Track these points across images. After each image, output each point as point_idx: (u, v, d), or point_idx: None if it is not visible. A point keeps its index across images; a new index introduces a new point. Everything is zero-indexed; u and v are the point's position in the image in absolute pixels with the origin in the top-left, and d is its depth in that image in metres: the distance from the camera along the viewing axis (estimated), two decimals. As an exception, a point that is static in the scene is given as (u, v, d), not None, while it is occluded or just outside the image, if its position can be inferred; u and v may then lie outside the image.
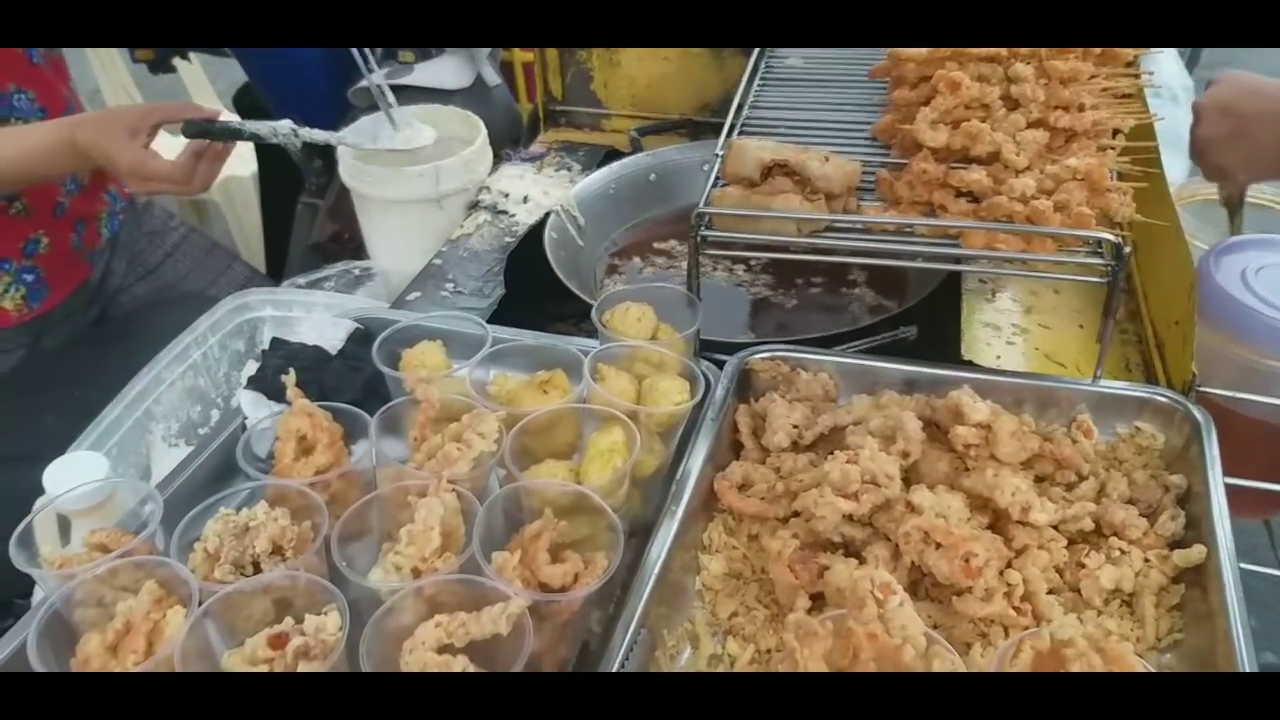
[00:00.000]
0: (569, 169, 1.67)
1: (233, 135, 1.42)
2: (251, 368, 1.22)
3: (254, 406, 1.10)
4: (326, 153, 2.00)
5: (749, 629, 0.89)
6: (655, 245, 1.55)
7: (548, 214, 1.53)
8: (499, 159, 1.67)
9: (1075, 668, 0.66)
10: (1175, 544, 0.91)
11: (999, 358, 1.13)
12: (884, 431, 0.97)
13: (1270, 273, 1.08)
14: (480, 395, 0.97)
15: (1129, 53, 1.14)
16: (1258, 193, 1.32)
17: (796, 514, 0.97)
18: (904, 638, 0.69)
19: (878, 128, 1.19)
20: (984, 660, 0.82)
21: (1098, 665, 0.66)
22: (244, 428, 1.09)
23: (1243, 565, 0.84)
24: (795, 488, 0.96)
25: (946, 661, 0.69)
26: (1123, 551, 0.89)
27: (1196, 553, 0.86)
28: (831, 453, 1.02)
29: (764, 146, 1.09)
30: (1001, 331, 1.18)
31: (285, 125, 1.41)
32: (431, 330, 1.09)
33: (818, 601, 0.89)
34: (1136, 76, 1.15)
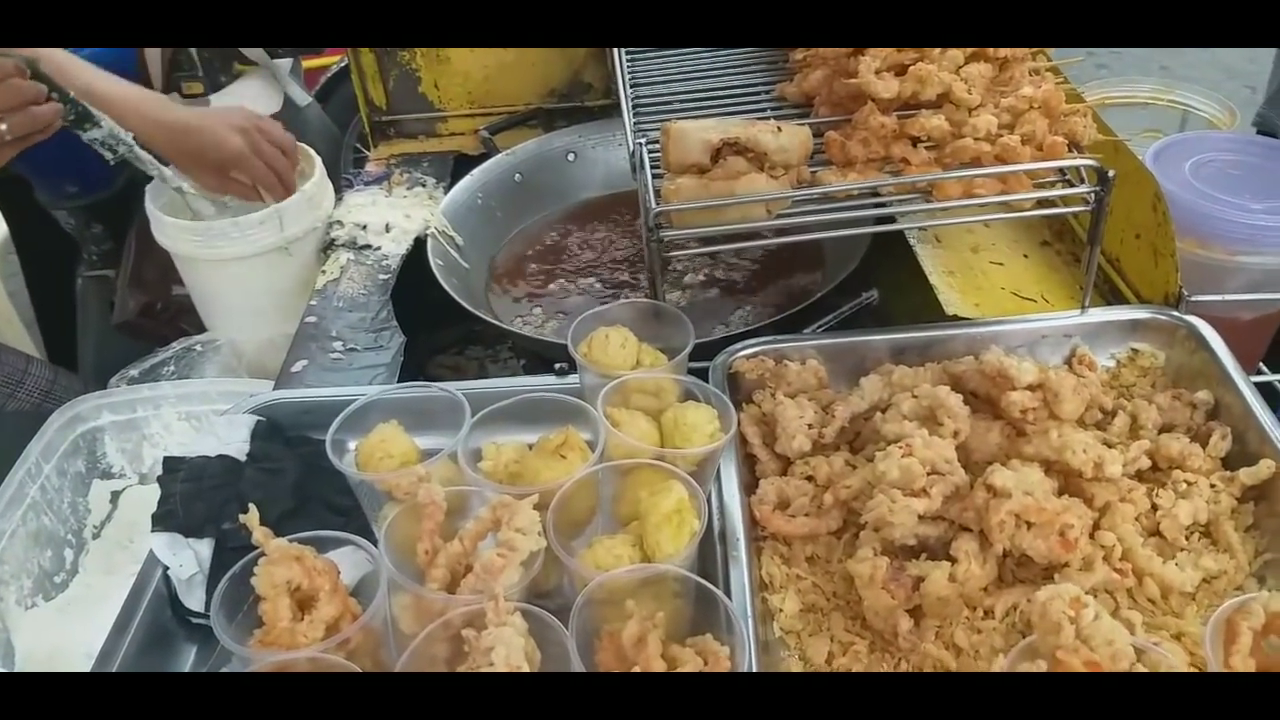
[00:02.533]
0: (422, 185, 1.48)
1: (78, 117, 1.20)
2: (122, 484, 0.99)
3: (173, 551, 0.88)
4: (109, 217, 1.70)
5: (856, 668, 0.79)
6: (552, 252, 1.40)
7: (419, 240, 1.35)
8: (337, 188, 1.46)
9: (1293, 637, 0.60)
10: (1225, 462, 0.89)
11: (977, 305, 1.08)
12: (920, 413, 0.89)
13: (1209, 166, 1.09)
14: (476, 477, 0.81)
15: None
16: (1132, 91, 1.35)
17: (848, 524, 0.89)
18: (1111, 653, 0.61)
19: (801, 89, 1.10)
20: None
21: (1313, 628, 0.61)
22: (167, 581, 0.87)
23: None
24: (845, 496, 0.87)
25: (1164, 664, 0.63)
26: (1189, 483, 0.86)
27: (1265, 468, 0.84)
28: (862, 448, 0.95)
29: (706, 126, 0.98)
30: (964, 277, 1.13)
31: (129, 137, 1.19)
32: (375, 407, 0.90)
33: (914, 615, 0.81)
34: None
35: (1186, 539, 0.85)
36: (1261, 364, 1.21)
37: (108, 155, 1.25)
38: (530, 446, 0.85)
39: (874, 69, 0.99)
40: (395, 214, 1.40)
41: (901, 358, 1.01)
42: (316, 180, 1.36)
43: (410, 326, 1.24)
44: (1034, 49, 1.05)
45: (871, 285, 1.16)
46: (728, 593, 0.77)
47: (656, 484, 0.77)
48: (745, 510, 0.86)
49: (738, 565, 0.80)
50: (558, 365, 1.01)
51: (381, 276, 1.31)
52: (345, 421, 0.89)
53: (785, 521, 0.88)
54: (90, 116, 1.21)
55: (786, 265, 1.31)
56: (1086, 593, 0.78)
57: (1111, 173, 0.93)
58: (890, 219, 1.04)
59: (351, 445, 0.88)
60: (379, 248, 1.35)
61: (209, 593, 0.88)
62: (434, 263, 1.27)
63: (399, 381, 1.13)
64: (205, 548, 0.91)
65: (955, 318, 1.06)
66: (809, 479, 0.91)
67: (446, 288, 1.23)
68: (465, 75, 1.56)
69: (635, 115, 1.15)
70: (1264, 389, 0.91)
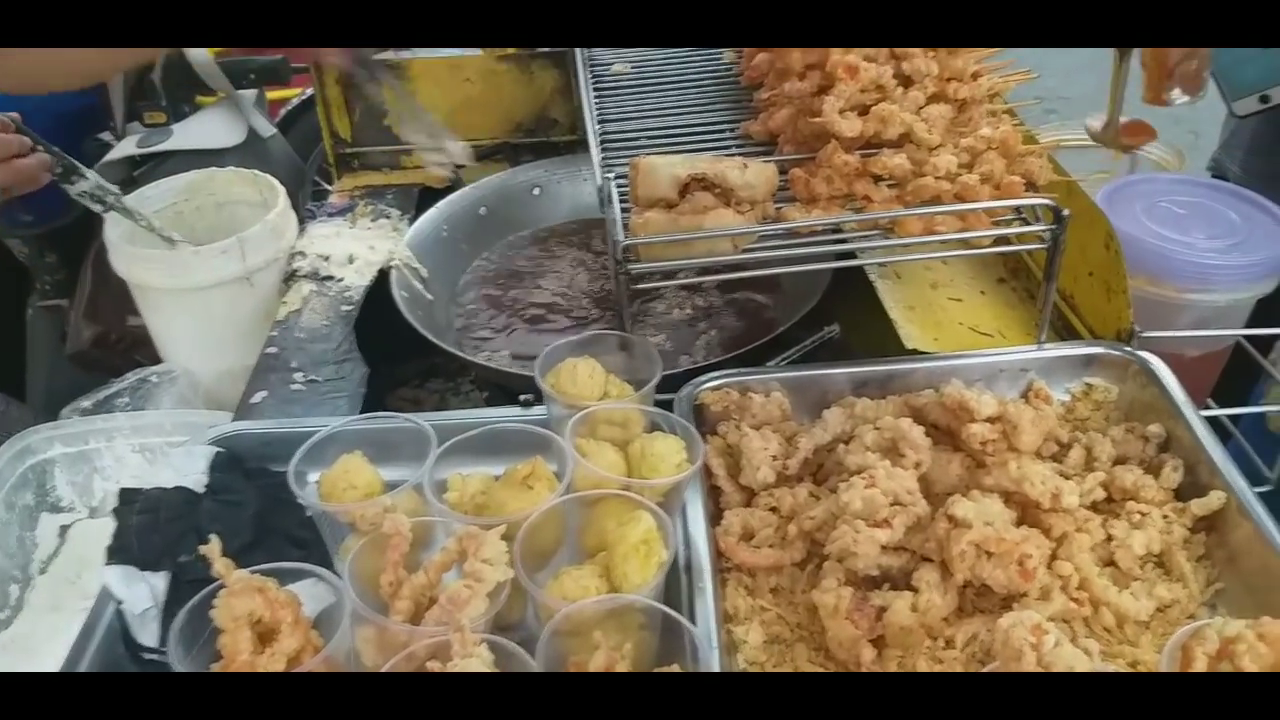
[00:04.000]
0: (387, 216, 1.48)
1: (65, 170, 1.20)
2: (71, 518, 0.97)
3: (127, 585, 0.86)
4: (63, 246, 1.68)
5: (822, 698, 0.79)
6: (517, 284, 1.40)
7: (382, 271, 1.34)
8: (300, 219, 1.45)
9: (1247, 663, 0.62)
10: (1177, 493, 0.91)
11: (936, 340, 1.10)
12: (882, 445, 0.90)
13: (1159, 206, 1.12)
14: (442, 508, 0.81)
15: None
16: (1084, 134, 1.39)
17: (811, 555, 0.89)
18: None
19: (766, 128, 1.12)
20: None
21: (1264, 653, 0.62)
22: (120, 616, 0.85)
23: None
24: (809, 527, 0.88)
25: (1123, 693, 0.63)
26: (1142, 514, 0.88)
27: (1215, 499, 0.87)
28: (826, 480, 0.96)
29: (675, 162, 0.99)
30: (923, 312, 1.15)
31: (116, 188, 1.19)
32: (338, 438, 0.90)
33: (877, 645, 0.81)
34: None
35: (1140, 569, 0.86)
36: (1209, 399, 1.24)
37: (97, 208, 1.24)
38: (496, 478, 0.85)
39: (838, 108, 1.02)
40: (359, 245, 1.39)
41: (863, 390, 1.03)
42: (280, 210, 1.35)
43: (371, 358, 1.23)
44: (992, 92, 1.08)
45: (833, 320, 1.18)
46: (693, 624, 0.77)
47: (624, 514, 0.77)
48: (710, 542, 0.86)
49: (703, 597, 0.80)
50: (523, 397, 1.01)
51: (344, 308, 1.30)
52: (308, 453, 0.88)
53: (750, 553, 0.88)
54: (77, 169, 1.20)
55: (751, 299, 1.32)
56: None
57: (1066, 212, 0.96)
58: (852, 254, 1.06)
59: (313, 477, 0.87)
60: (342, 279, 1.34)
61: (164, 627, 0.86)
62: (398, 294, 1.27)
63: (361, 413, 1.12)
64: (161, 581, 0.89)
65: (915, 352, 1.07)
66: (773, 510, 0.92)
67: (411, 319, 1.22)
68: (431, 108, 1.56)
69: (603, 150, 1.17)
70: (1211, 423, 0.93)
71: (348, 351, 1.22)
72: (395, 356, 1.35)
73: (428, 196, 1.51)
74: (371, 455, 0.90)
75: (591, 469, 0.80)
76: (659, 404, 0.99)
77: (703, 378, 1.02)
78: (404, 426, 0.88)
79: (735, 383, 1.03)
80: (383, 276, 1.33)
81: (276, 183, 1.40)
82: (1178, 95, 1.20)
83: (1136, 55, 1.04)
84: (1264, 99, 1.24)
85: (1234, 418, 1.20)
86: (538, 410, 0.99)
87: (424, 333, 1.20)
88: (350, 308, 1.30)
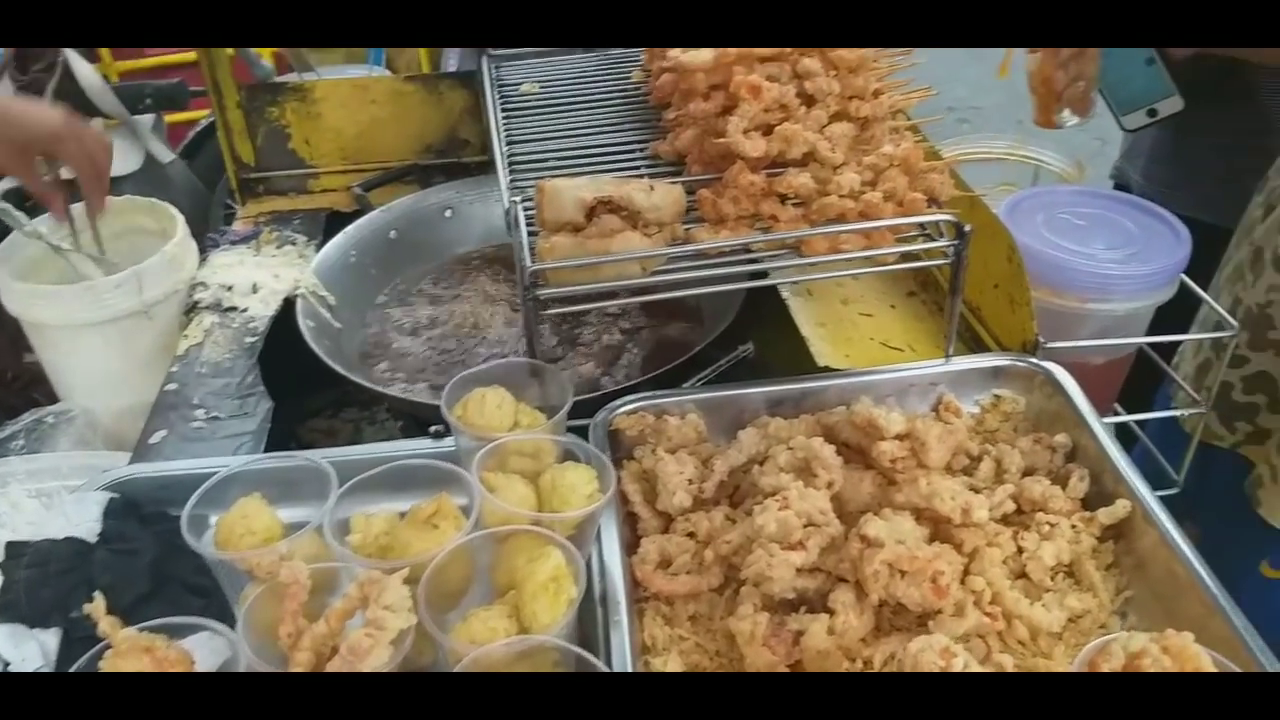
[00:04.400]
0: (292, 243, 1.44)
1: None
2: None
3: (15, 644, 0.81)
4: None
5: (741, 727, 0.78)
6: (429, 309, 1.37)
7: (288, 300, 1.30)
8: (202, 248, 1.41)
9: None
10: (1084, 502, 0.93)
11: (848, 356, 1.11)
12: (795, 465, 0.90)
13: (1060, 218, 1.14)
14: (344, 551, 0.78)
15: None
16: (989, 147, 1.42)
17: (729, 580, 0.89)
18: (982, 702, 0.62)
19: (673, 148, 1.11)
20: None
21: (1169, 666, 0.63)
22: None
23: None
24: (725, 551, 0.87)
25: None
26: (1051, 525, 0.89)
27: (1121, 507, 0.88)
28: (742, 502, 0.95)
29: (580, 185, 0.98)
30: (835, 329, 1.16)
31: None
32: (237, 479, 0.86)
33: (796, 670, 0.81)
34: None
35: (1051, 580, 0.87)
36: (1116, 405, 1.27)
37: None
38: (402, 515, 0.83)
39: (742, 129, 1.01)
40: (263, 274, 1.35)
41: (778, 409, 1.03)
42: (179, 240, 1.31)
43: (279, 391, 1.19)
44: (894, 109, 1.09)
45: (748, 338, 1.17)
46: (609, 658, 0.76)
47: (534, 550, 0.75)
48: (626, 571, 0.85)
49: (619, 629, 0.78)
50: (433, 429, 0.99)
51: (248, 340, 1.26)
52: (204, 496, 0.85)
53: (666, 581, 0.87)
54: None
55: (665, 321, 1.32)
56: (960, 638, 0.80)
57: (968, 227, 0.97)
58: (763, 274, 1.06)
59: (215, 520, 0.84)
60: (246, 309, 1.30)
61: (54, 687, 0.81)
62: (304, 324, 1.24)
63: (266, 450, 1.09)
64: (52, 638, 0.84)
65: (827, 369, 1.08)
66: (690, 536, 0.91)
67: (317, 350, 1.19)
68: (337, 131, 1.54)
69: (511, 173, 1.15)
70: (1120, 429, 0.95)
71: (252, 385, 1.19)
72: (306, 386, 1.32)
73: (336, 221, 1.48)
74: (274, 495, 0.86)
75: (498, 505, 0.78)
76: (575, 431, 0.97)
77: (618, 402, 1.01)
78: (304, 465, 0.85)
79: (651, 406, 1.02)
80: (289, 305, 1.30)
81: (175, 211, 1.35)
82: (1068, 117, 1.24)
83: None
84: (1151, 113, 1.27)
85: (1141, 422, 1.23)
86: (448, 442, 0.97)
87: (330, 364, 1.17)
88: (255, 339, 1.26)
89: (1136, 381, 1.32)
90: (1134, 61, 1.26)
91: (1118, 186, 1.71)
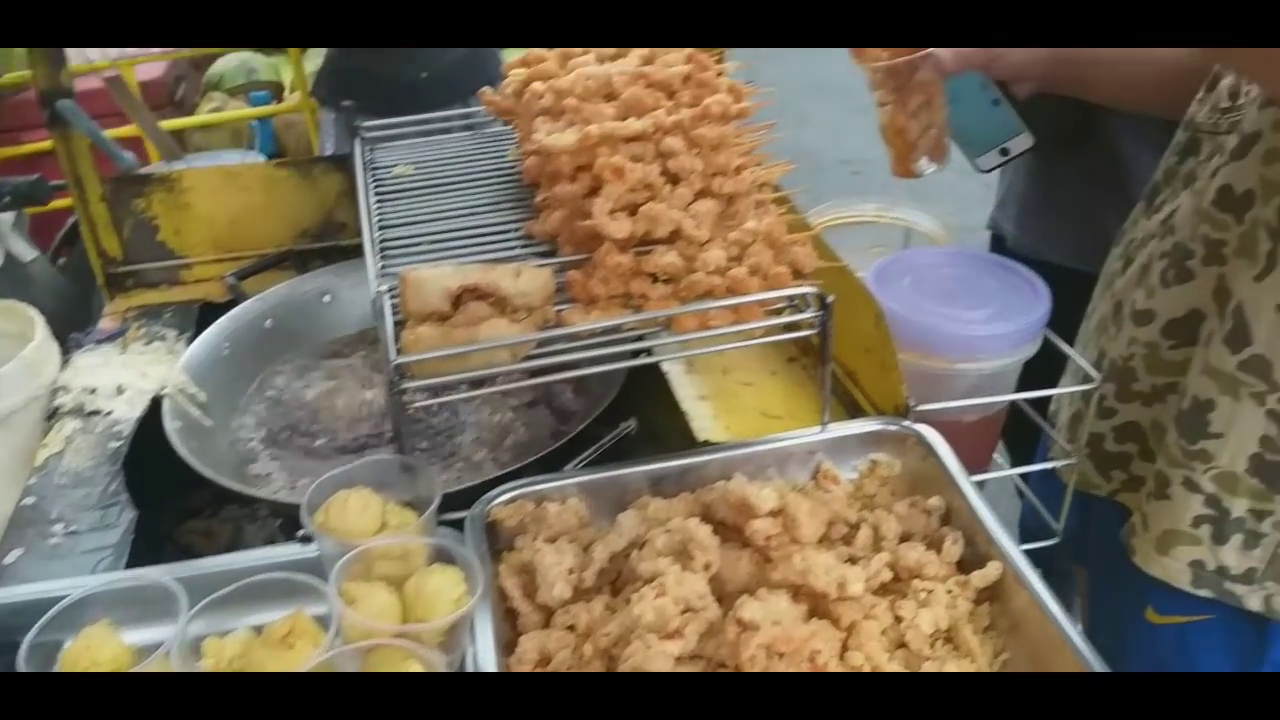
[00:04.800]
0: (162, 339, 1.39)
1: None
2: None
3: None
4: None
5: (624, 829, 0.76)
6: (305, 400, 1.34)
7: (155, 400, 1.25)
8: (65, 349, 1.35)
9: None
10: (959, 566, 0.94)
11: (728, 429, 1.11)
12: (674, 548, 0.89)
13: (925, 280, 1.17)
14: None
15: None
16: (860, 211, 1.45)
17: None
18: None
19: (543, 229, 1.11)
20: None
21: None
22: None
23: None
24: (604, 644, 0.85)
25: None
26: (928, 591, 0.90)
27: (994, 570, 0.89)
28: (623, 588, 0.94)
29: (445, 274, 0.97)
30: (715, 401, 1.16)
31: None
32: (90, 602, 0.81)
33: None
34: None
35: (931, 648, 0.87)
36: (998, 456, 1.30)
37: None
38: (259, 629, 0.79)
39: (607, 210, 1.02)
40: (130, 373, 1.30)
41: (660, 487, 1.02)
42: (38, 343, 1.25)
43: (150, 495, 1.14)
44: (759, 183, 1.11)
45: (630, 414, 1.17)
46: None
47: (397, 663, 0.72)
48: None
49: (493, 738, 0.76)
50: (300, 533, 0.95)
51: (113, 444, 1.20)
52: (53, 622, 0.80)
53: (546, 678, 0.85)
54: None
55: (559, 397, 1.31)
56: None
57: (830, 298, 0.98)
58: (637, 353, 1.06)
59: (62, 652, 0.79)
60: (110, 412, 1.25)
61: None
62: (170, 426, 1.19)
63: (131, 563, 1.03)
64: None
65: (707, 443, 1.08)
66: (570, 629, 0.89)
67: (183, 453, 1.14)
68: (209, 220, 1.50)
69: (382, 259, 1.13)
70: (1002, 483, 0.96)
71: (114, 494, 1.13)
72: (182, 486, 1.26)
73: (209, 312, 1.43)
74: (129, 616, 0.82)
75: (357, 619, 0.75)
76: (450, 524, 0.95)
77: (496, 491, 0.99)
78: (154, 584, 0.81)
79: (531, 493, 1.00)
80: (157, 405, 1.25)
81: (35, 312, 1.29)
82: (925, 164, 1.27)
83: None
84: (1004, 151, 1.31)
85: (1025, 475, 1.26)
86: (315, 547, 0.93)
87: (198, 467, 1.12)
88: (119, 444, 1.21)
89: (1020, 434, 1.35)
90: (981, 104, 1.30)
91: (994, 236, 1.77)
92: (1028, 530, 1.39)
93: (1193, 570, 1.07)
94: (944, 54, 1.21)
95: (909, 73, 1.22)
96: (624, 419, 1.15)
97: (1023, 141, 1.29)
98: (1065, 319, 1.21)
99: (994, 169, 1.35)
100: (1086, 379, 1.13)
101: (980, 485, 1.17)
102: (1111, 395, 1.15)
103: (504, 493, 0.99)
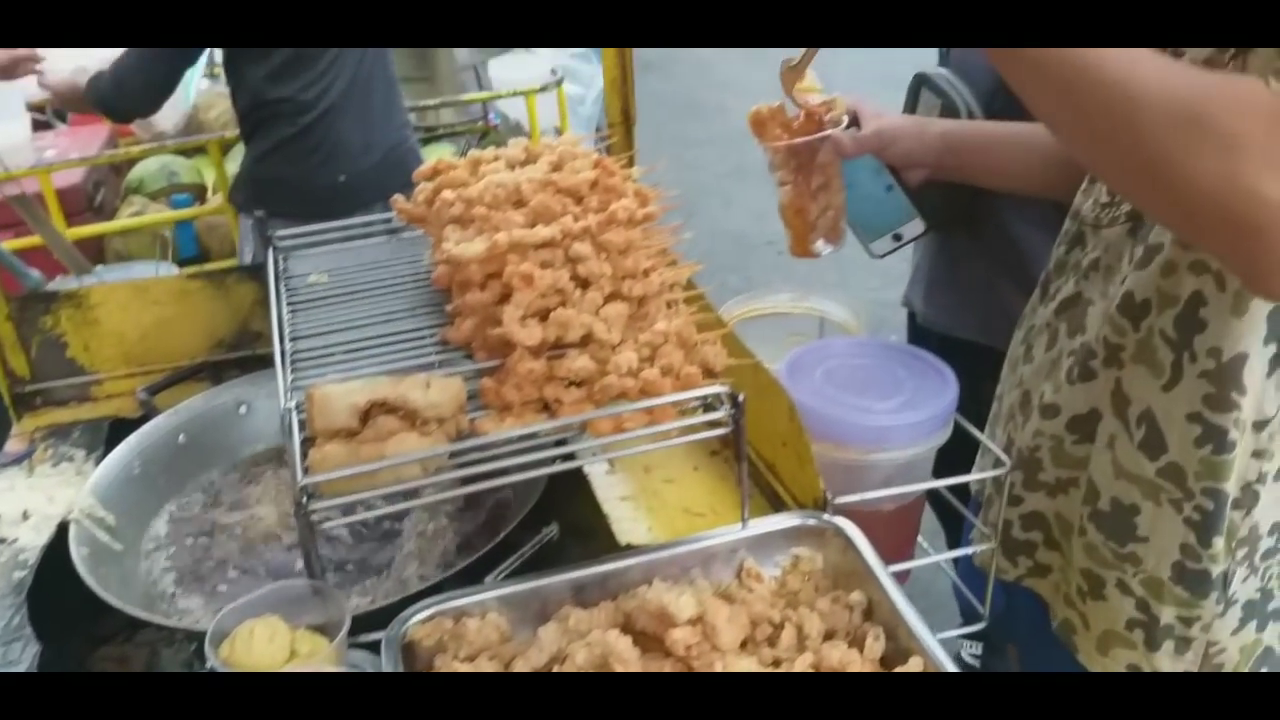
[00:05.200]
0: (70, 460, 1.35)
1: None
2: None
3: None
4: None
5: None
6: (218, 518, 1.30)
7: (62, 525, 1.21)
8: (-33, 474, 1.30)
9: None
10: (882, 662, 0.94)
11: (650, 529, 1.11)
12: (594, 662, 0.88)
13: (837, 372, 1.19)
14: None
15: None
16: (774, 303, 1.48)
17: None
18: None
19: (457, 336, 1.11)
20: None
21: None
22: None
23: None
24: (526, 765, 0.83)
25: None
26: (853, 690, 0.89)
27: (915, 665, 0.89)
28: (544, 704, 0.91)
29: (352, 389, 0.96)
30: (637, 501, 1.16)
31: None
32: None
33: None
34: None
35: (858, 747, 0.87)
36: (922, 541, 1.31)
37: None
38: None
39: (518, 317, 1.02)
40: (36, 497, 1.26)
41: (582, 595, 1.00)
42: (-66, 472, 1.21)
43: (58, 626, 1.10)
44: (669, 284, 1.12)
45: (551, 518, 1.16)
46: None
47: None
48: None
49: None
50: (209, 665, 0.92)
51: (17, 574, 1.16)
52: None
53: (465, 807, 0.82)
54: None
55: (488, 500, 1.29)
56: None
57: (741, 396, 0.99)
58: (555, 459, 1.05)
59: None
60: (15, 540, 1.20)
61: None
62: (77, 552, 1.14)
63: (30, 702, 0.98)
64: None
65: (630, 546, 1.07)
66: (491, 751, 0.86)
67: (91, 581, 1.10)
68: (119, 335, 1.47)
69: (294, 371, 1.12)
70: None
71: (18, 628, 1.08)
72: (95, 612, 1.21)
73: (120, 429, 1.40)
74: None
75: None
76: (365, 647, 0.93)
77: (412, 609, 0.97)
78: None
79: (449, 609, 0.98)
80: (64, 530, 1.20)
81: (-69, 440, 1.25)
82: (822, 245, 1.30)
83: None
84: (897, 237, 1.36)
85: (955, 559, 1.27)
86: (226, 678, 0.90)
87: (104, 596, 1.08)
88: (24, 573, 1.16)
89: (951, 514, 1.37)
90: (875, 190, 1.34)
91: (911, 313, 1.82)
92: (965, 607, 1.39)
93: (1130, 672, 1.09)
94: (842, 136, 1.25)
95: (809, 153, 1.26)
96: (545, 523, 1.14)
97: (915, 227, 1.33)
98: (977, 394, 1.23)
99: (887, 254, 1.39)
100: (998, 463, 1.15)
101: (907, 572, 1.19)
102: (1019, 483, 1.17)
103: (421, 610, 0.97)
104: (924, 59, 1.59)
